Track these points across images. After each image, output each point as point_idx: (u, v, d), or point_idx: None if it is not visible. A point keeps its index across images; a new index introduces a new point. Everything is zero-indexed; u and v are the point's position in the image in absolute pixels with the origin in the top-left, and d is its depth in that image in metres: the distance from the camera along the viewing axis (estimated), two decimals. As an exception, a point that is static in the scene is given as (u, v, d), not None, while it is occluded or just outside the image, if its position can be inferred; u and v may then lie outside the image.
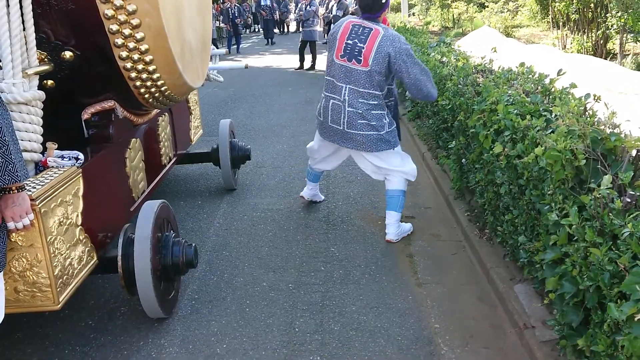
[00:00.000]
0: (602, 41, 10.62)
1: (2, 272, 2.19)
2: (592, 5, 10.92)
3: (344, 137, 3.93)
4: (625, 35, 9.55)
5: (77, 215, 2.63)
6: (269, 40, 21.03)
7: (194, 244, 3.15)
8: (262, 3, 21.15)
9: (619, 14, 9.14)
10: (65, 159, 2.66)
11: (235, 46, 19.01)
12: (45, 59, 2.80)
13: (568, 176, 2.42)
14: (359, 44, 3.74)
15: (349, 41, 3.77)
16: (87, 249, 2.72)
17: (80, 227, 2.64)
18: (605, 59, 10.40)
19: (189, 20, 3.64)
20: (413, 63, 3.75)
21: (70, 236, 2.55)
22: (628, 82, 8.88)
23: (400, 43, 3.72)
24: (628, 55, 9.83)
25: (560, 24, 12.20)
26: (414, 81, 3.77)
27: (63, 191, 2.50)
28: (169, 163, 4.44)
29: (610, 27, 9.65)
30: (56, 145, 2.69)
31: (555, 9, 11.98)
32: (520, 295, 3.05)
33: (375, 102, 3.82)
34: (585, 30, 11.33)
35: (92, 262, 2.77)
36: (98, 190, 2.89)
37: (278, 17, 23.22)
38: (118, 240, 2.91)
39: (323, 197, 4.83)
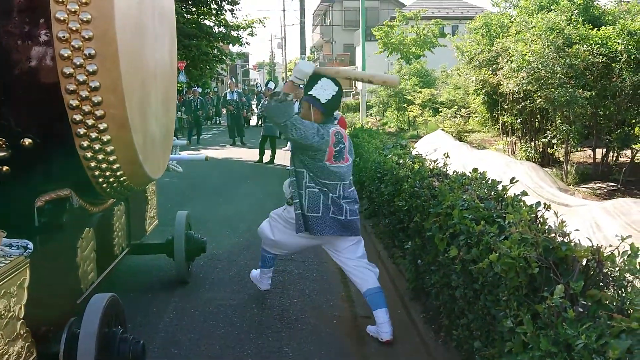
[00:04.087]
0: (548, 149, 11.18)
1: None
2: (538, 116, 11.58)
3: (345, 226, 4.00)
4: (568, 145, 10.09)
5: (20, 308, 2.50)
6: (239, 139, 18.11)
7: (142, 341, 3.02)
8: (229, 97, 18.92)
9: (563, 126, 9.71)
10: (13, 248, 2.56)
11: (196, 137, 19.17)
12: (3, 145, 2.76)
13: (522, 283, 2.46)
14: (341, 145, 4.05)
15: (337, 148, 4.01)
16: (27, 344, 2.56)
17: (22, 320, 2.50)
18: (552, 166, 10.91)
19: (154, 111, 3.69)
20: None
21: (10, 330, 2.41)
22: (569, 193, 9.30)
23: None
24: (572, 163, 10.36)
25: (509, 130, 12.84)
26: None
27: (7, 282, 2.39)
28: (121, 253, 4.33)
29: (553, 137, 10.21)
30: (5, 234, 2.60)
31: (502, 121, 12.64)
32: (476, 403, 2.99)
33: (354, 188, 4.18)
34: (532, 139, 11.94)
35: (31, 359, 2.60)
36: (45, 281, 2.78)
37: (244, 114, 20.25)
38: (62, 334, 2.76)
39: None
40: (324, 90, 4.06)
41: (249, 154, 15.22)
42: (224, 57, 30.53)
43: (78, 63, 2.70)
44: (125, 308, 3.26)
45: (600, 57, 9.31)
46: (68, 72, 2.70)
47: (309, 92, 4.09)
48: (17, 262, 2.48)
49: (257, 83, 36.17)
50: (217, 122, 29.73)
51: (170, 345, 3.83)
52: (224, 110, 27.14)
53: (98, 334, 2.70)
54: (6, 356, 2.36)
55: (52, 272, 2.94)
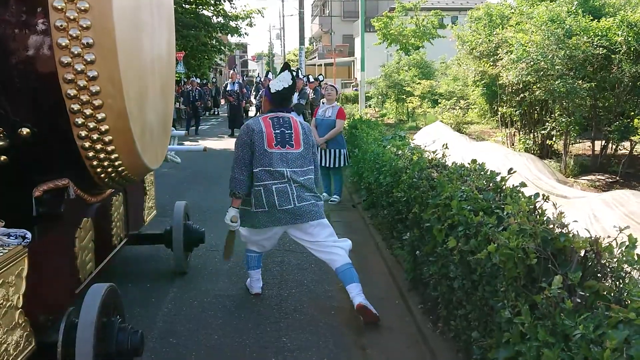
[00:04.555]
0: (547, 141, 11.17)
1: None
2: (537, 107, 11.55)
3: (296, 214, 4.14)
4: (567, 137, 10.08)
5: (19, 297, 2.51)
6: (235, 131, 17.42)
7: (140, 331, 3.02)
8: (229, 88, 18.61)
9: (562, 117, 9.70)
10: (11, 238, 2.56)
11: (194, 128, 19.12)
12: (1, 135, 2.75)
13: (520, 274, 2.46)
14: (287, 131, 4.21)
15: (277, 131, 4.19)
16: (25, 333, 2.57)
17: (20, 309, 2.51)
18: (551, 158, 10.91)
19: (152, 102, 3.68)
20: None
21: (8, 319, 2.41)
22: (568, 185, 9.31)
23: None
24: (571, 155, 10.36)
25: (508, 122, 12.82)
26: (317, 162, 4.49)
27: (6, 271, 2.39)
28: (119, 243, 4.33)
29: (552, 128, 10.19)
30: (3, 223, 2.60)
31: (501, 112, 12.62)
32: (474, 393, 3.00)
33: (312, 176, 4.28)
34: (531, 130, 11.92)
35: (30, 348, 2.61)
36: (43, 271, 2.78)
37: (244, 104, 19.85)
38: (60, 324, 2.76)
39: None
40: (277, 82, 4.34)
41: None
42: (222, 48, 30.44)
43: (76, 52, 2.70)
44: (123, 298, 3.27)
45: (600, 48, 9.27)
46: (66, 61, 2.69)
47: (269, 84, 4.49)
48: (15, 252, 2.48)
49: (257, 74, 36.03)
50: (216, 113, 29.67)
51: (169, 335, 3.84)
52: (222, 101, 27.04)
53: (96, 323, 2.71)
54: (5, 345, 2.37)
55: (50, 262, 2.94)
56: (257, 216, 4.21)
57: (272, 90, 4.32)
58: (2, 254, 2.41)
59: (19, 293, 2.50)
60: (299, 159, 4.20)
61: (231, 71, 24.56)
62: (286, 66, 4.54)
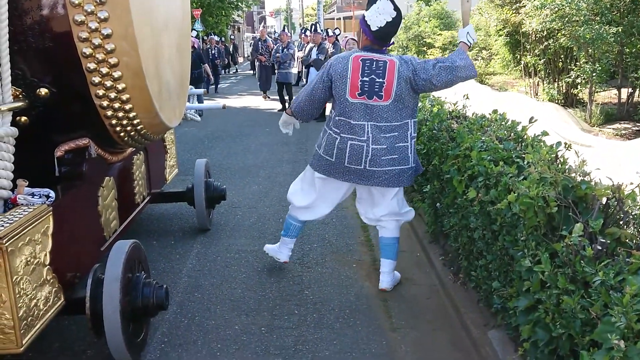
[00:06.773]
0: (572, 90, 10.93)
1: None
2: (562, 56, 11.26)
3: (364, 176, 3.68)
4: (592, 85, 9.84)
5: (46, 255, 2.57)
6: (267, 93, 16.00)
7: (165, 286, 3.09)
8: (260, 46, 16.61)
9: (587, 65, 9.45)
10: (35, 197, 2.61)
11: (214, 86, 19.06)
12: (20, 96, 2.77)
13: (540, 223, 2.44)
14: (377, 80, 3.56)
15: (365, 78, 3.57)
16: (54, 289, 2.65)
17: (48, 266, 2.58)
18: (575, 107, 10.69)
19: (168, 59, 3.66)
20: (425, 61, 3.71)
21: (37, 276, 2.48)
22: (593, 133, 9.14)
23: (412, 57, 3.74)
24: (597, 104, 10.13)
25: (531, 72, 12.54)
26: (438, 64, 3.62)
27: (32, 230, 2.44)
28: (142, 202, 4.39)
29: (577, 77, 9.94)
30: (27, 183, 2.65)
31: (525, 61, 12.33)
32: (494, 342, 3.03)
33: (399, 133, 3.65)
34: (556, 79, 11.65)
35: (59, 303, 2.69)
36: (68, 229, 2.84)
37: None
38: (87, 280, 2.84)
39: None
40: (377, 15, 3.57)
41: (268, 103, 15.14)
42: (239, 4, 30.05)
43: (89, 10, 2.68)
44: (148, 255, 3.34)
45: (628, -9, 8.96)
46: (80, 20, 2.68)
47: (364, 13, 3.65)
48: (40, 210, 2.53)
49: (274, 30, 35.44)
50: (236, 70, 29.48)
51: (194, 290, 3.92)
52: (240, 59, 26.76)
53: (122, 278, 2.78)
54: (35, 300, 2.45)
55: (75, 220, 3.00)
56: (320, 160, 3.78)
57: (374, 28, 3.57)
58: (27, 212, 2.46)
59: (45, 250, 2.57)
60: (385, 112, 3.58)
61: (261, 28, 24.02)
62: None
